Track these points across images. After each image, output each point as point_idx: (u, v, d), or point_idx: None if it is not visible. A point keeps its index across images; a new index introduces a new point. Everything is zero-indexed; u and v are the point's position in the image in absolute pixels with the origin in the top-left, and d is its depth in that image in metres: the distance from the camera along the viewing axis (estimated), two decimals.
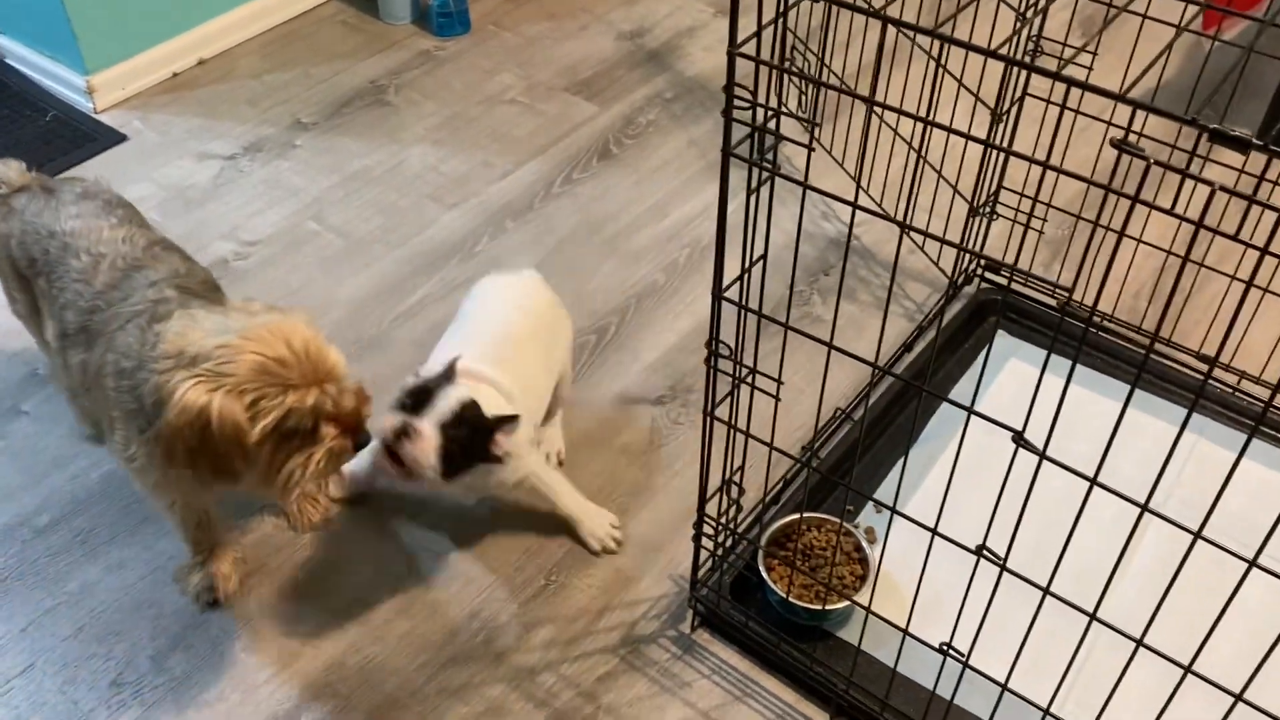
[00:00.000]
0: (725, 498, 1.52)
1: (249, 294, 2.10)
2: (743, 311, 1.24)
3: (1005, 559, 1.16)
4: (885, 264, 2.17)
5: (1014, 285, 2.00)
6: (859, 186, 2.05)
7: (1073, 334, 1.91)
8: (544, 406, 1.71)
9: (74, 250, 1.51)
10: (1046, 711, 1.24)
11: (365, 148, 2.46)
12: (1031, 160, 0.93)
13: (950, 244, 1.00)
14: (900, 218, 1.03)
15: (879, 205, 2.16)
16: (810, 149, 1.01)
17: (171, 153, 2.43)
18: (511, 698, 1.53)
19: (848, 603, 1.56)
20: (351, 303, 2.10)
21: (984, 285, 2.06)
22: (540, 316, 1.71)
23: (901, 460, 1.74)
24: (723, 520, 1.52)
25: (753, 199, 1.14)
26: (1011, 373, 1.92)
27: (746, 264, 1.19)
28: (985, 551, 1.16)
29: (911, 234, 2.20)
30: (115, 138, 2.46)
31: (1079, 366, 1.01)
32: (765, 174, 1.10)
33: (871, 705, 1.47)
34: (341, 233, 2.25)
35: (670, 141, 2.49)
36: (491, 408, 1.50)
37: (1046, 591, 1.15)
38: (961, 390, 1.88)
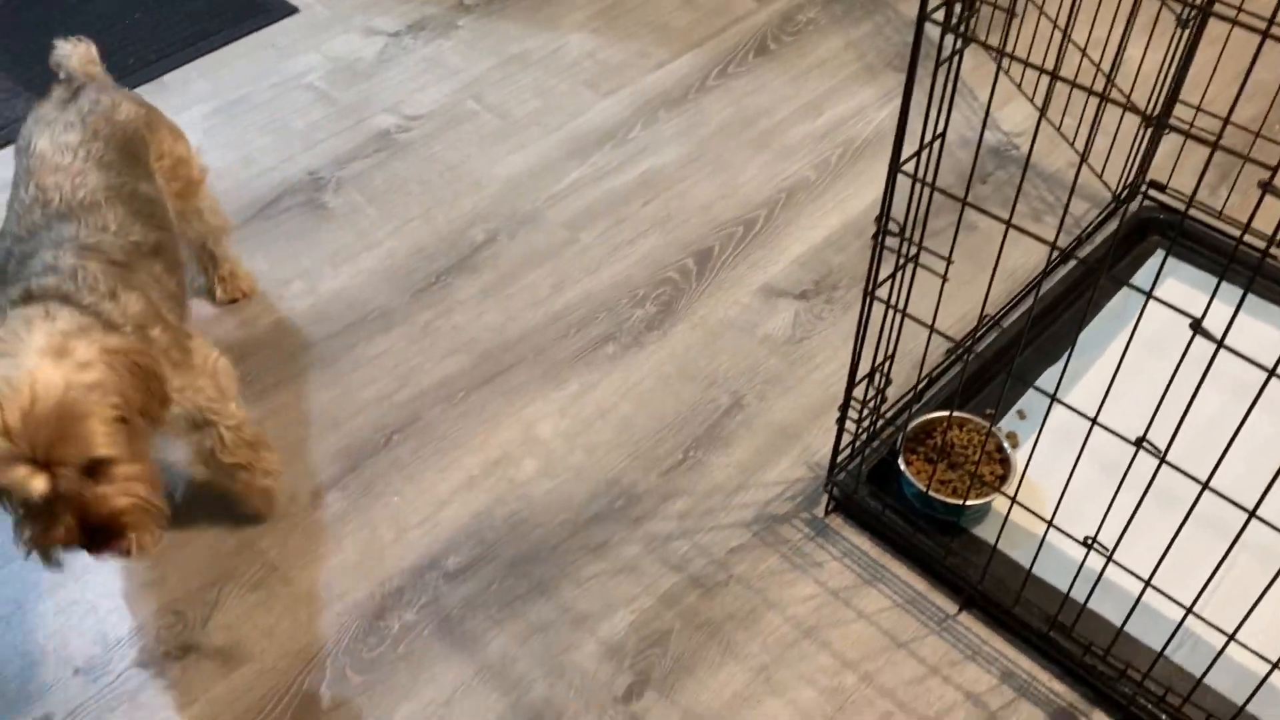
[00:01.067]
0: (871, 386, 1.53)
1: (412, 167, 2.17)
2: (916, 190, 1.24)
3: (1165, 453, 1.15)
4: (1045, 175, 2.12)
5: (1179, 205, 1.94)
6: (1051, 72, 2.00)
7: (1244, 261, 1.85)
8: None
9: (28, 176, 1.44)
10: (1189, 610, 1.24)
11: (524, 32, 2.49)
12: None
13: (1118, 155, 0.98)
14: (1077, 124, 1.01)
15: (1051, 121, 2.11)
16: (1010, 13, 1.00)
17: (339, 27, 2.50)
18: (646, 560, 1.59)
19: (986, 500, 1.56)
20: (507, 181, 2.15)
21: (1147, 204, 2.00)
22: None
23: (1062, 359, 1.73)
24: (868, 407, 1.54)
25: (941, 71, 1.14)
26: (1170, 291, 1.88)
27: (927, 138, 1.18)
28: (1145, 443, 1.16)
29: (1076, 144, 2.15)
30: (286, 9, 2.53)
31: (1237, 292, 0.99)
32: (959, 42, 1.09)
33: (1004, 599, 1.48)
34: (499, 113, 2.29)
35: (828, 41, 2.46)
36: None
37: (1205, 486, 1.14)
38: (1117, 305, 1.85)
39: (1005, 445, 1.62)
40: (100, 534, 1.17)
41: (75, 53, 1.62)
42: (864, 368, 1.50)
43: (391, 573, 1.58)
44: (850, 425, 1.56)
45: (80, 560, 1.57)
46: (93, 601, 1.54)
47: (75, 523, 1.15)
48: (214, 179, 2.12)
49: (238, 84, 2.34)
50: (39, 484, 1.12)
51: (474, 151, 2.21)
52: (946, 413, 1.62)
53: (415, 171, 2.16)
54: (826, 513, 1.64)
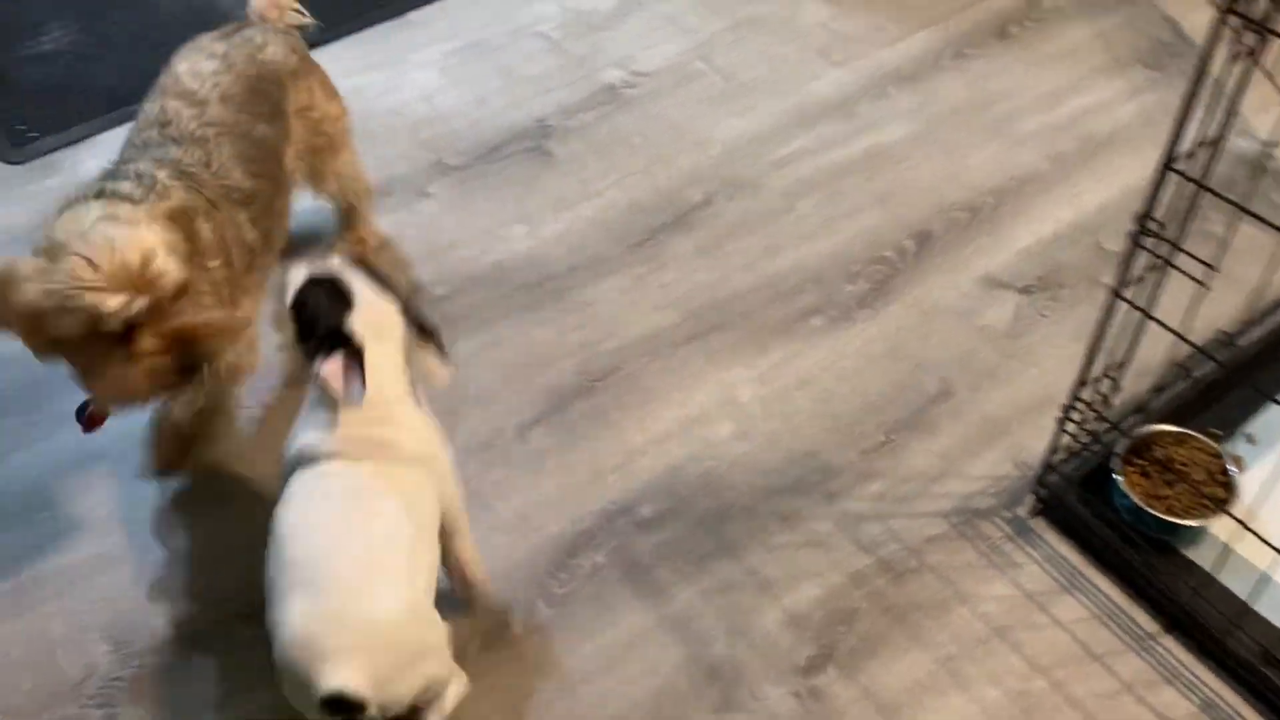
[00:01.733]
0: (1094, 390, 1.47)
1: (636, 122, 2.19)
2: (1178, 189, 1.18)
3: None
4: None
5: None
6: None
7: None
8: None
9: (158, 93, 1.53)
10: None
11: None
12: None
13: None
14: None
15: None
16: None
17: None
18: (838, 537, 1.58)
19: (1204, 522, 1.49)
20: (727, 144, 2.15)
21: None
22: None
23: None
24: (1093, 410, 1.48)
25: (1235, 66, 1.08)
26: None
27: (1204, 138, 1.12)
28: None
29: None
30: None
31: None
32: (1256, 36, 1.03)
33: (1214, 626, 1.41)
34: (727, 75, 2.29)
35: (1075, 30, 2.35)
36: None
37: None
38: None
39: (1231, 468, 1.54)
40: (182, 348, 1.31)
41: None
42: (1095, 369, 1.44)
43: (585, 513, 1.61)
44: (1070, 427, 1.51)
45: None
46: None
47: (156, 343, 1.29)
48: (450, 118, 2.20)
49: (477, 27, 2.41)
50: (113, 301, 1.24)
51: (698, 112, 2.22)
52: (1172, 427, 1.55)
53: (639, 127, 2.19)
54: (1031, 514, 1.59)
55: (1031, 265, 1.92)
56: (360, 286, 1.31)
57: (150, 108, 1.50)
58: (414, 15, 2.43)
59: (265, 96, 1.57)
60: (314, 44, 2.33)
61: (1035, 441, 1.66)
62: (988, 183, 2.05)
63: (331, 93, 1.75)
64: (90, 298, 1.24)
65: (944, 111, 2.19)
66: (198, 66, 1.54)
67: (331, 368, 1.23)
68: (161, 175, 1.39)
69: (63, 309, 1.24)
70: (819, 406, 1.73)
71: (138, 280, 1.26)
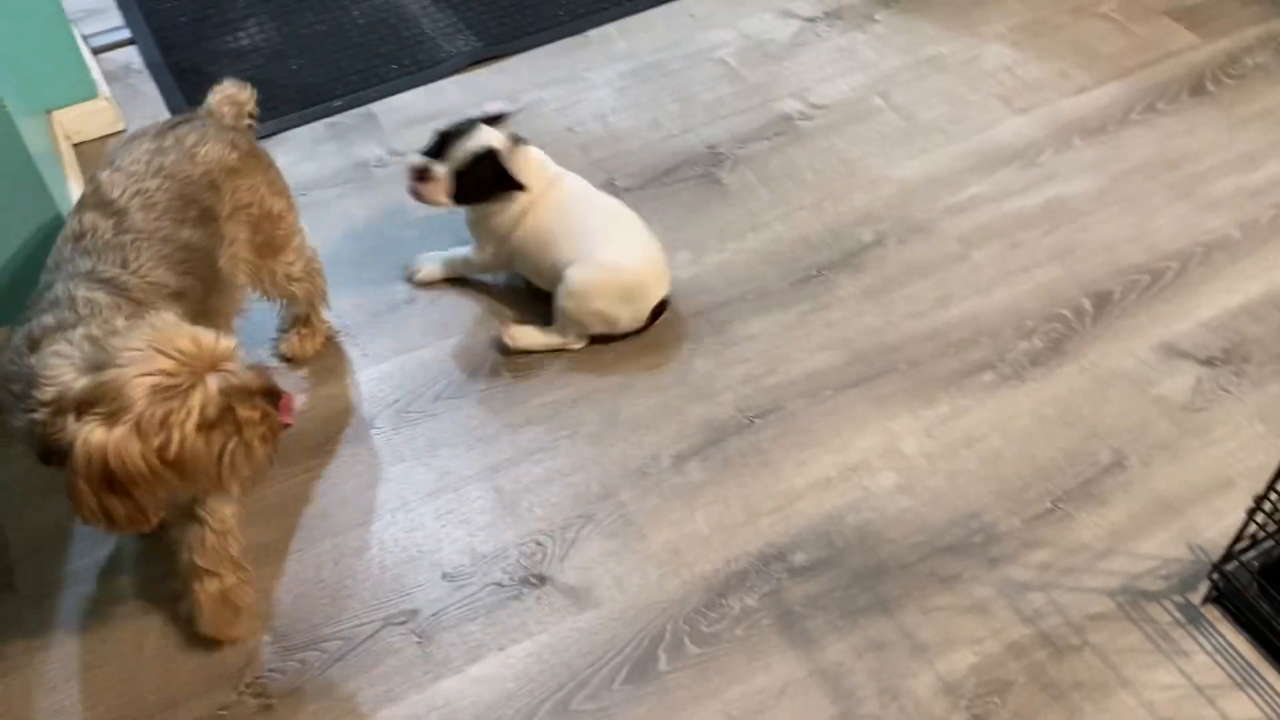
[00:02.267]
0: None
1: (809, 155, 2.17)
2: None
3: None
4: None
5: None
6: None
7: None
8: None
9: (80, 207, 1.44)
10: None
11: (942, 34, 2.42)
12: None
13: None
14: None
15: None
16: None
17: (756, 5, 2.53)
18: (998, 604, 1.53)
19: None
20: (902, 184, 2.11)
21: None
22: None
23: None
24: None
25: None
26: None
27: None
28: None
29: None
30: None
31: None
32: None
33: None
34: (905, 114, 2.25)
35: (1278, 91, 2.25)
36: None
37: None
38: None
39: None
40: (271, 404, 1.29)
41: (221, 92, 1.64)
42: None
43: (738, 554, 1.60)
44: (1259, 517, 1.44)
45: (457, 467, 1.69)
46: (466, 515, 1.66)
47: (257, 408, 1.27)
48: (623, 138, 2.21)
49: (655, 48, 2.42)
50: (213, 381, 1.22)
51: (873, 149, 2.18)
52: None
53: (811, 161, 2.17)
54: (1204, 601, 1.52)
55: (1215, 337, 1.84)
56: None
57: (71, 223, 1.42)
58: (593, 33, 2.46)
59: (193, 200, 1.48)
60: (491, 58, 2.38)
61: (1211, 524, 1.59)
62: (1172, 245, 1.98)
63: (278, 190, 1.65)
64: (193, 396, 1.20)
65: (1130, 167, 2.12)
66: (120, 172, 1.45)
67: None
68: (79, 292, 1.31)
69: (166, 427, 1.19)
70: (985, 467, 1.69)
71: (209, 357, 1.22)
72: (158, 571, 1.58)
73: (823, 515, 1.64)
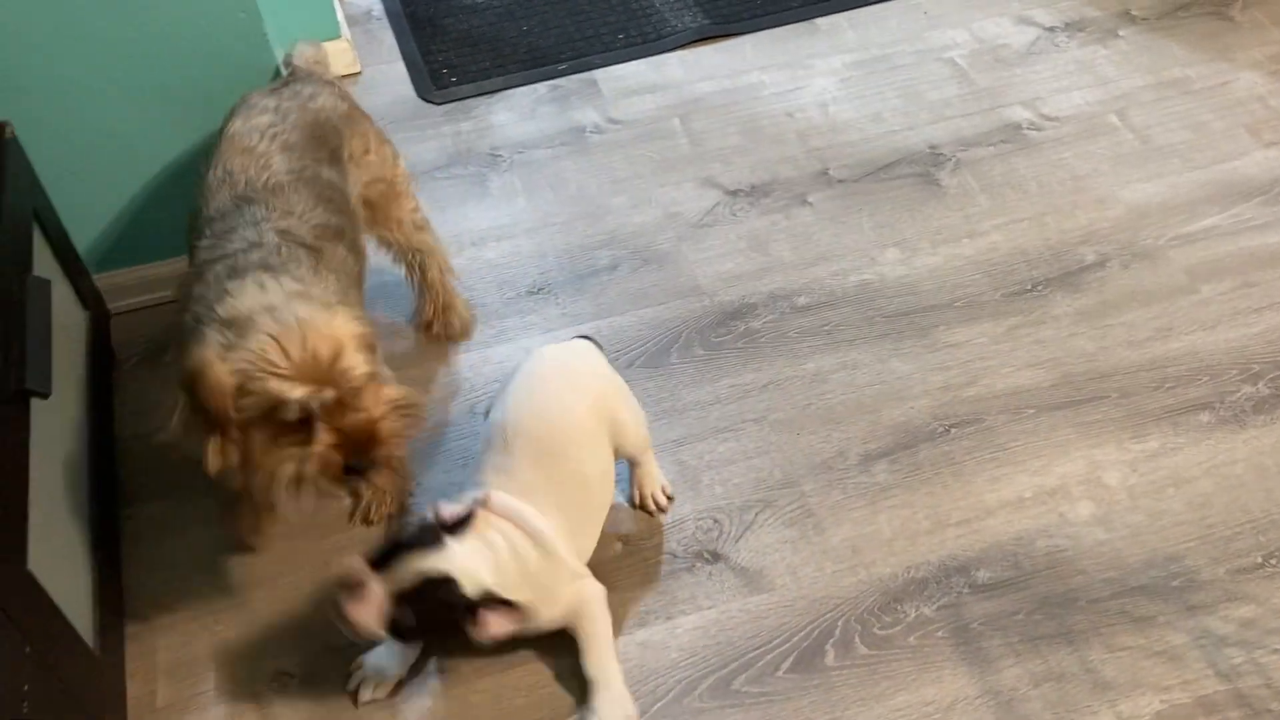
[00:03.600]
0: None
1: (1035, 166, 2.09)
2: None
3: None
4: None
5: None
6: None
7: None
8: (602, 517, 1.50)
9: (217, 158, 1.48)
10: None
11: (1190, 57, 2.30)
12: None
13: None
14: None
15: None
16: None
17: (994, 9, 2.45)
18: (1192, 654, 1.45)
19: None
20: (1132, 207, 2.02)
21: None
22: (596, 404, 1.47)
23: None
24: None
25: None
26: None
27: None
28: None
29: None
30: None
31: None
32: None
33: None
34: (1141, 135, 2.15)
35: None
36: (503, 568, 1.33)
37: None
38: None
39: None
40: (355, 448, 1.26)
41: (304, 53, 1.68)
42: None
43: (920, 562, 1.56)
44: None
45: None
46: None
47: (335, 442, 1.25)
48: (842, 129, 2.18)
49: (883, 42, 2.37)
50: (298, 391, 1.21)
51: (1104, 168, 2.09)
52: None
53: (1037, 172, 2.09)
54: None
55: None
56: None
57: (211, 176, 1.47)
58: (822, 21, 2.43)
59: (323, 142, 1.54)
60: (717, 36, 2.38)
61: None
62: None
63: (383, 139, 1.69)
64: (275, 384, 1.21)
65: None
66: (252, 123, 1.51)
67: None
68: (268, 239, 1.36)
69: (243, 389, 1.22)
70: (1192, 510, 1.59)
71: (325, 373, 1.23)
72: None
73: (1012, 535, 1.58)
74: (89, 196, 1.75)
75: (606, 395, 1.50)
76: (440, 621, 1.31)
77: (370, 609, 1.27)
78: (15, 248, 1.43)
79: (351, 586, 1.27)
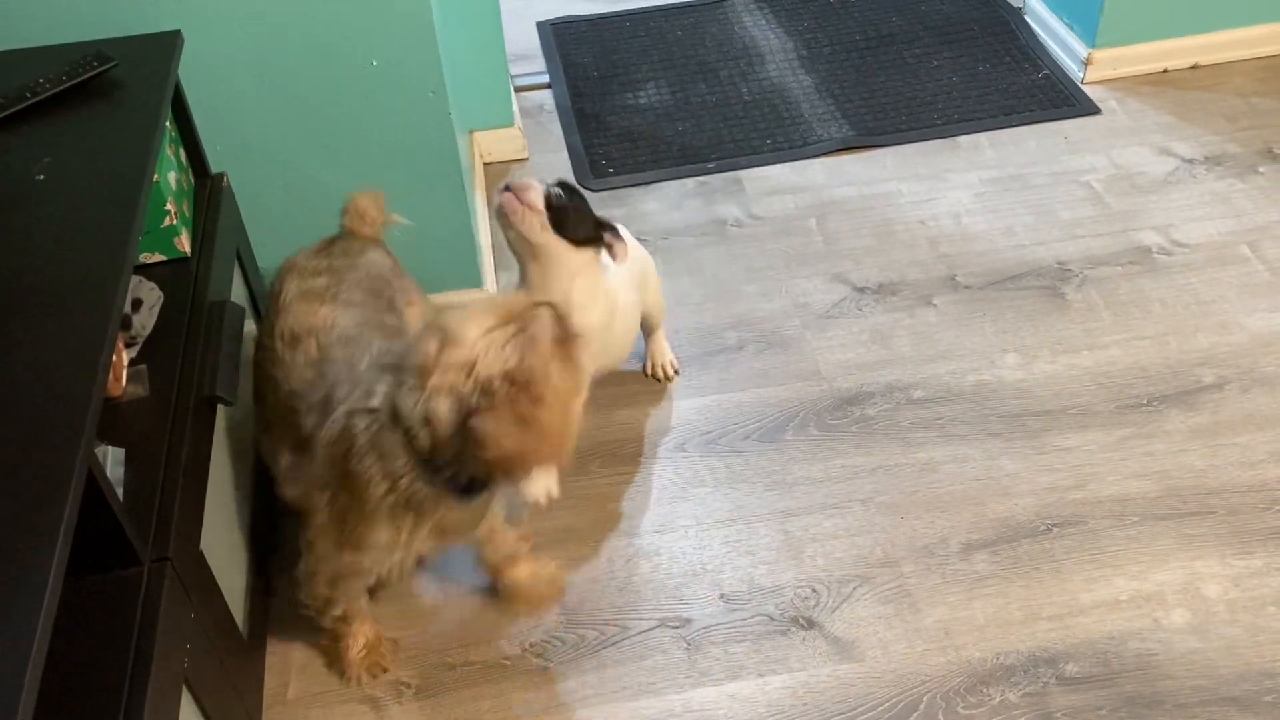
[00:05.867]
0: None
1: (1161, 289, 2.15)
2: None
3: None
4: None
5: None
6: None
7: None
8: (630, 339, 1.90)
9: (277, 327, 1.49)
10: None
11: None
12: None
13: None
14: None
15: None
16: None
17: (1134, 139, 2.53)
18: None
19: None
20: (1256, 335, 2.05)
21: None
22: (632, 263, 1.86)
23: None
24: None
25: None
26: None
27: None
28: None
29: None
30: (1090, 108, 2.61)
31: None
32: None
33: None
34: (1273, 267, 2.18)
35: None
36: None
37: None
38: None
39: None
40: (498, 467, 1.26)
41: (359, 206, 1.70)
42: None
43: (1009, 650, 1.60)
44: None
45: (752, 503, 1.80)
46: (752, 547, 1.76)
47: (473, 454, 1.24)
48: (973, 239, 2.28)
49: (1021, 162, 2.48)
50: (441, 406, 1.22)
51: (1230, 295, 2.13)
52: None
53: (1163, 294, 2.14)
54: None
55: None
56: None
57: (278, 344, 1.48)
58: (963, 139, 2.55)
59: (379, 294, 1.58)
60: (860, 146, 2.52)
61: None
62: None
63: (422, 294, 1.73)
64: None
65: None
66: (307, 285, 1.53)
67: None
68: (367, 371, 1.36)
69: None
70: None
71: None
72: None
73: (1104, 634, 1.61)
74: (283, 245, 1.98)
75: (641, 259, 1.94)
76: (581, 220, 1.74)
77: (535, 193, 1.71)
78: (220, 277, 1.65)
79: (519, 185, 1.71)
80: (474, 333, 1.23)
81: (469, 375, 1.22)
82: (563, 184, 1.74)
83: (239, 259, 1.80)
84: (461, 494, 1.30)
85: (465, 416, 1.22)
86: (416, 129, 1.89)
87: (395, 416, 1.26)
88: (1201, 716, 1.51)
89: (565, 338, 1.29)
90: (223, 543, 1.49)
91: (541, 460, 1.27)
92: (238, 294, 1.76)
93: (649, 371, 2.05)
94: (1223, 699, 1.53)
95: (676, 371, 2.05)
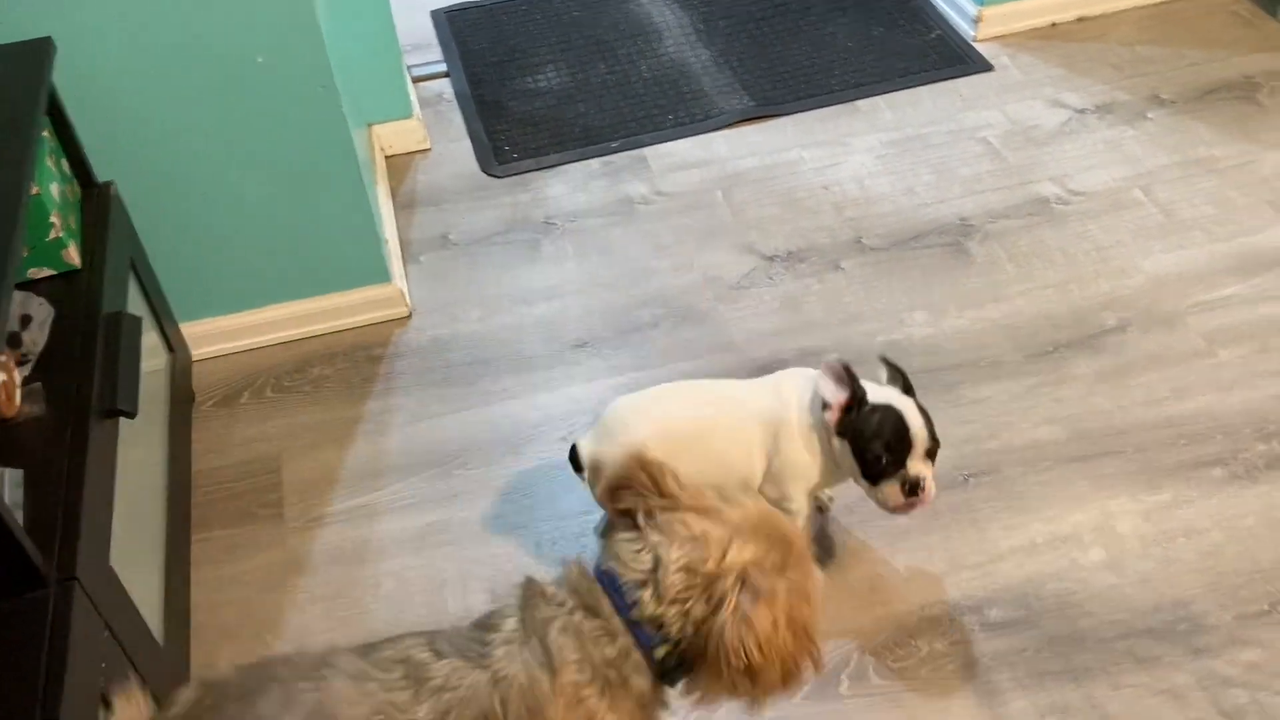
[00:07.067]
0: None
1: (1061, 238, 2.19)
2: None
3: None
4: None
5: None
6: None
7: None
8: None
9: None
10: None
11: (1217, 138, 2.39)
12: None
13: None
14: None
15: None
16: None
17: (1027, 93, 2.58)
18: (1196, 695, 1.50)
19: None
20: (1153, 276, 2.10)
21: None
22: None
23: None
24: None
25: None
26: None
27: None
28: None
29: None
30: (983, 66, 2.65)
31: None
32: None
33: None
34: (1165, 210, 2.24)
35: None
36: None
37: None
38: None
39: None
40: None
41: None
42: None
43: (934, 600, 1.63)
44: None
45: None
46: None
47: None
48: (876, 201, 2.31)
49: (919, 123, 2.51)
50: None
51: (1127, 239, 2.18)
52: None
53: (1063, 243, 2.19)
54: None
55: None
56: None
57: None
58: (861, 104, 2.57)
59: None
60: (761, 116, 2.54)
61: None
62: None
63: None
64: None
65: None
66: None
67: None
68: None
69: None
70: (1202, 559, 1.65)
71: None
72: (407, 527, 1.78)
73: (1024, 578, 1.65)
74: (179, 251, 1.94)
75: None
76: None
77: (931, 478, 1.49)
78: (114, 289, 1.61)
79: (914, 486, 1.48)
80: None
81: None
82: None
83: (134, 268, 1.75)
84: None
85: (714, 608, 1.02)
86: (309, 126, 1.86)
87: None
88: (1120, 649, 1.56)
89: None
90: (135, 554, 1.46)
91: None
92: (135, 304, 1.72)
93: None
94: (1140, 631, 1.58)
95: None
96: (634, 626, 1.06)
